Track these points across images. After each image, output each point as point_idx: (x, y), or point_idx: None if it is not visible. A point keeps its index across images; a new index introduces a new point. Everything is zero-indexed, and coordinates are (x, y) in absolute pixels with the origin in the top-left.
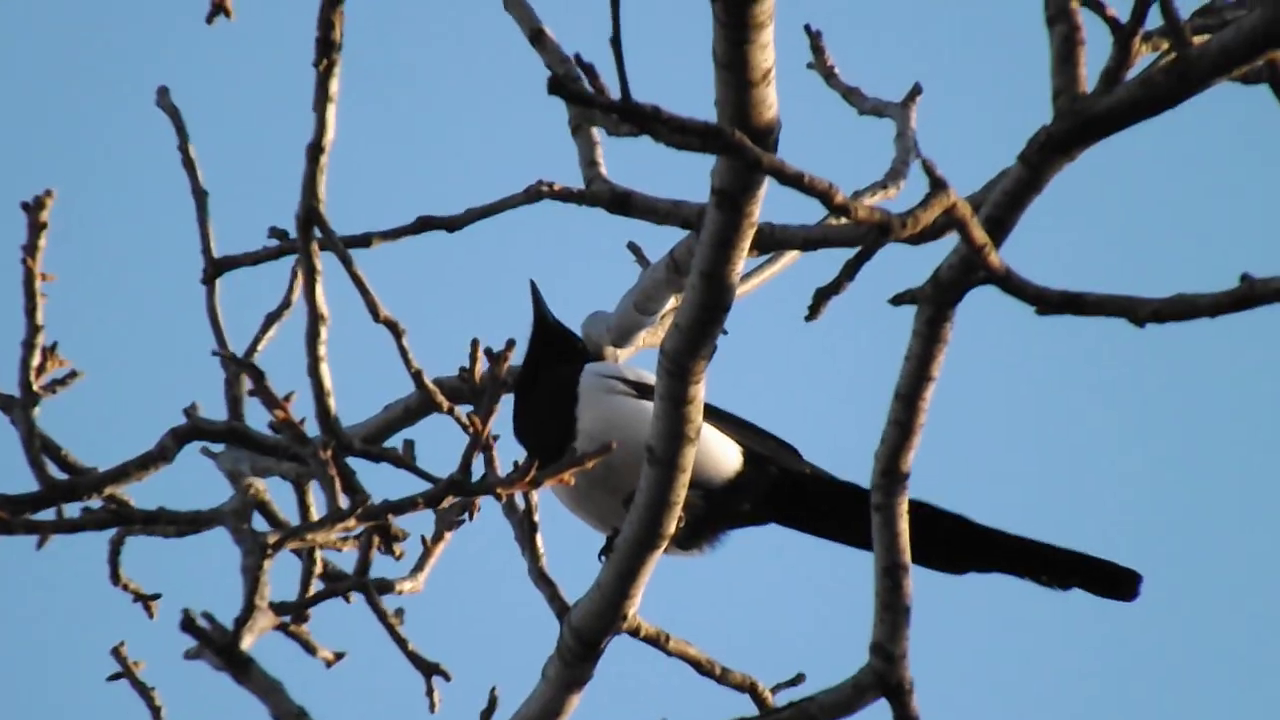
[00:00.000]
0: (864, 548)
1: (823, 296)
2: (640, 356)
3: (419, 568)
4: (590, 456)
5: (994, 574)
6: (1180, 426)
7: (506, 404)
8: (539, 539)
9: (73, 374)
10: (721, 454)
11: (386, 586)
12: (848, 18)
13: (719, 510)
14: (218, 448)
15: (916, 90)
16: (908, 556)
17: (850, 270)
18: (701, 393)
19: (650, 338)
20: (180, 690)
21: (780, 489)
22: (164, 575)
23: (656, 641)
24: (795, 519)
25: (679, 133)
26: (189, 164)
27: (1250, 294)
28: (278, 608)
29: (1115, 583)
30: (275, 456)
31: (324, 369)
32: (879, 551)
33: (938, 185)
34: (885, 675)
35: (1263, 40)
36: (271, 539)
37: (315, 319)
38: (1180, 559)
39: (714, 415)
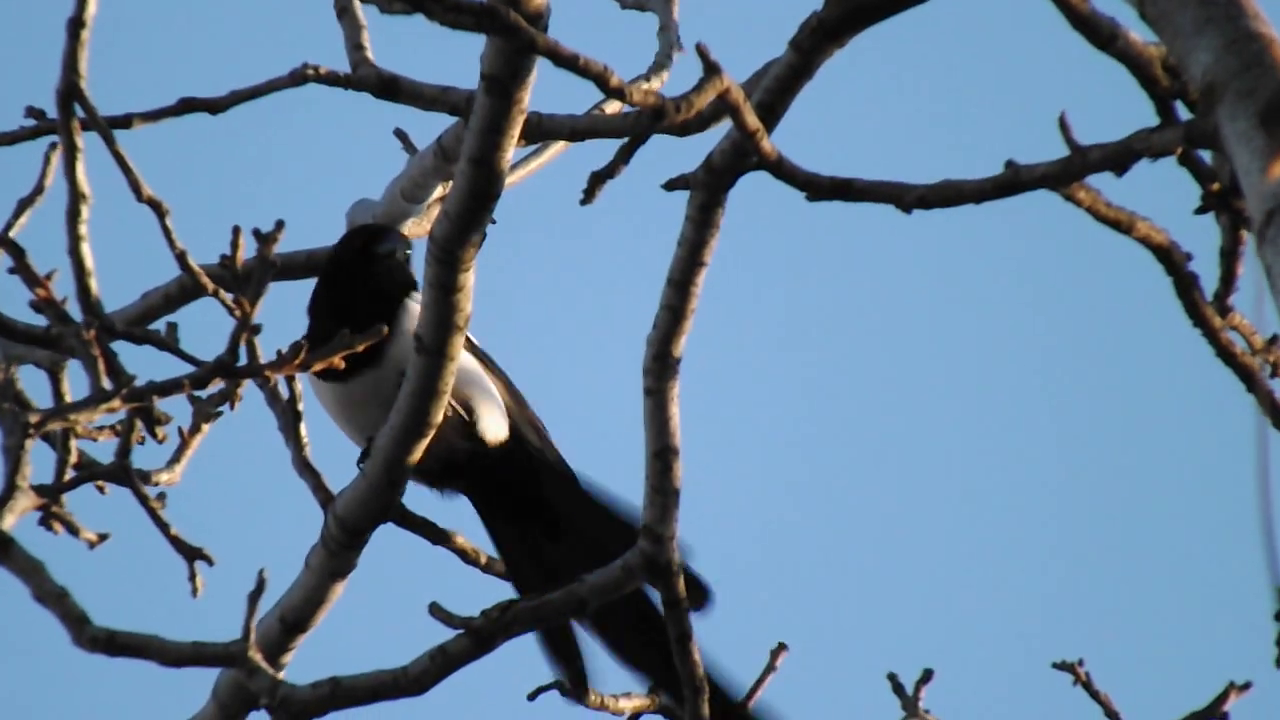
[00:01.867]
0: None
1: (598, 180)
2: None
3: (176, 459)
4: (361, 339)
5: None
6: (945, 311)
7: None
8: (303, 428)
9: None
10: (497, 420)
11: (144, 477)
12: None
13: (474, 456)
14: None
15: None
16: (678, 440)
17: (625, 154)
18: (471, 281)
19: (418, 227)
20: None
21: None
22: None
23: (423, 529)
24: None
25: (454, 12)
26: None
27: (1015, 180)
28: (37, 490)
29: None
30: (32, 343)
31: (85, 249)
32: (650, 436)
33: (711, 69)
34: (654, 557)
35: None
36: (34, 418)
37: (76, 198)
38: (928, 438)
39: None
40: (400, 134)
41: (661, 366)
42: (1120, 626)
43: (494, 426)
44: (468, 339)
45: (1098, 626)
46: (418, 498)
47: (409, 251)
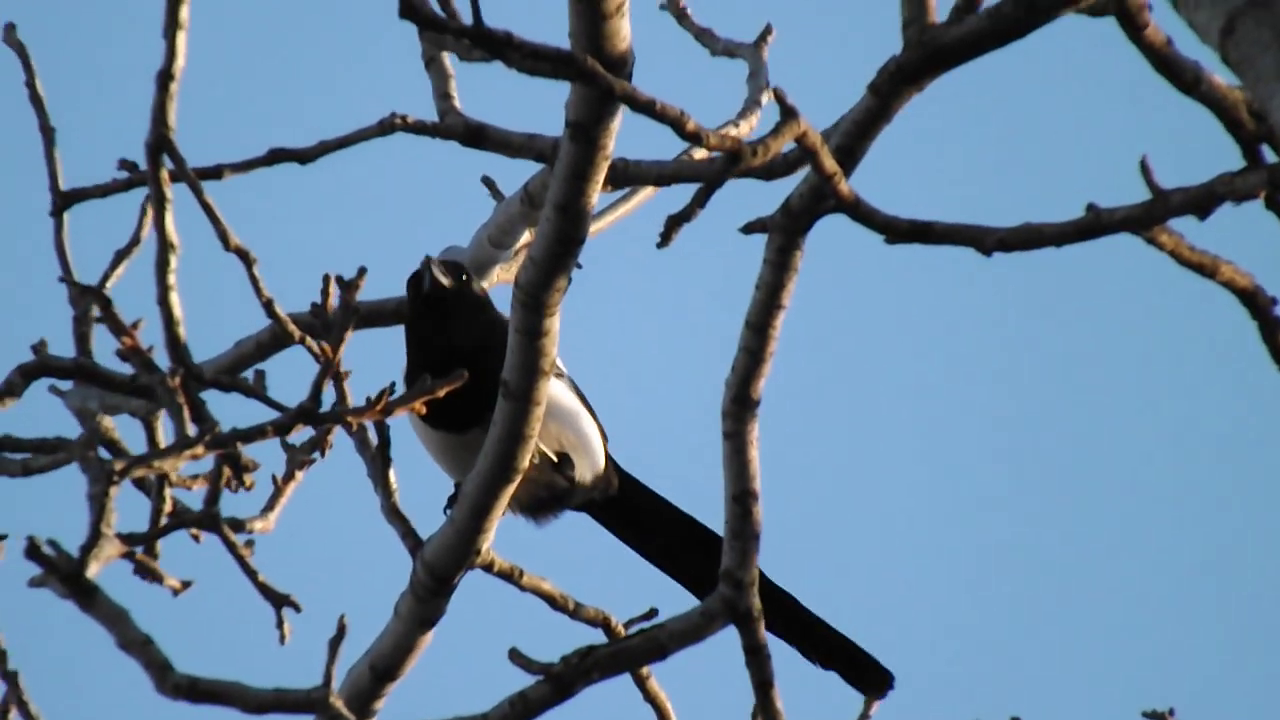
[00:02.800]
0: (681, 580)
1: (674, 223)
2: (494, 292)
3: (270, 507)
4: (441, 385)
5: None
6: (1027, 354)
7: (356, 338)
8: (392, 474)
9: None
10: (595, 452)
11: (237, 525)
12: None
13: (573, 493)
14: (66, 386)
15: (768, 31)
16: (757, 484)
17: (701, 197)
18: (556, 326)
19: (504, 273)
20: (27, 631)
21: (621, 502)
22: (12, 519)
23: (510, 577)
24: (621, 529)
25: (531, 59)
26: (36, 100)
27: (1096, 223)
28: (126, 539)
29: (870, 678)
30: (124, 392)
31: (174, 298)
32: (729, 479)
33: (788, 114)
34: (734, 602)
35: None
36: (118, 465)
37: (165, 247)
38: (1031, 488)
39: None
40: (487, 181)
41: (740, 409)
42: (1217, 677)
43: (588, 465)
44: (566, 376)
45: (1191, 673)
46: (507, 542)
47: (463, 276)
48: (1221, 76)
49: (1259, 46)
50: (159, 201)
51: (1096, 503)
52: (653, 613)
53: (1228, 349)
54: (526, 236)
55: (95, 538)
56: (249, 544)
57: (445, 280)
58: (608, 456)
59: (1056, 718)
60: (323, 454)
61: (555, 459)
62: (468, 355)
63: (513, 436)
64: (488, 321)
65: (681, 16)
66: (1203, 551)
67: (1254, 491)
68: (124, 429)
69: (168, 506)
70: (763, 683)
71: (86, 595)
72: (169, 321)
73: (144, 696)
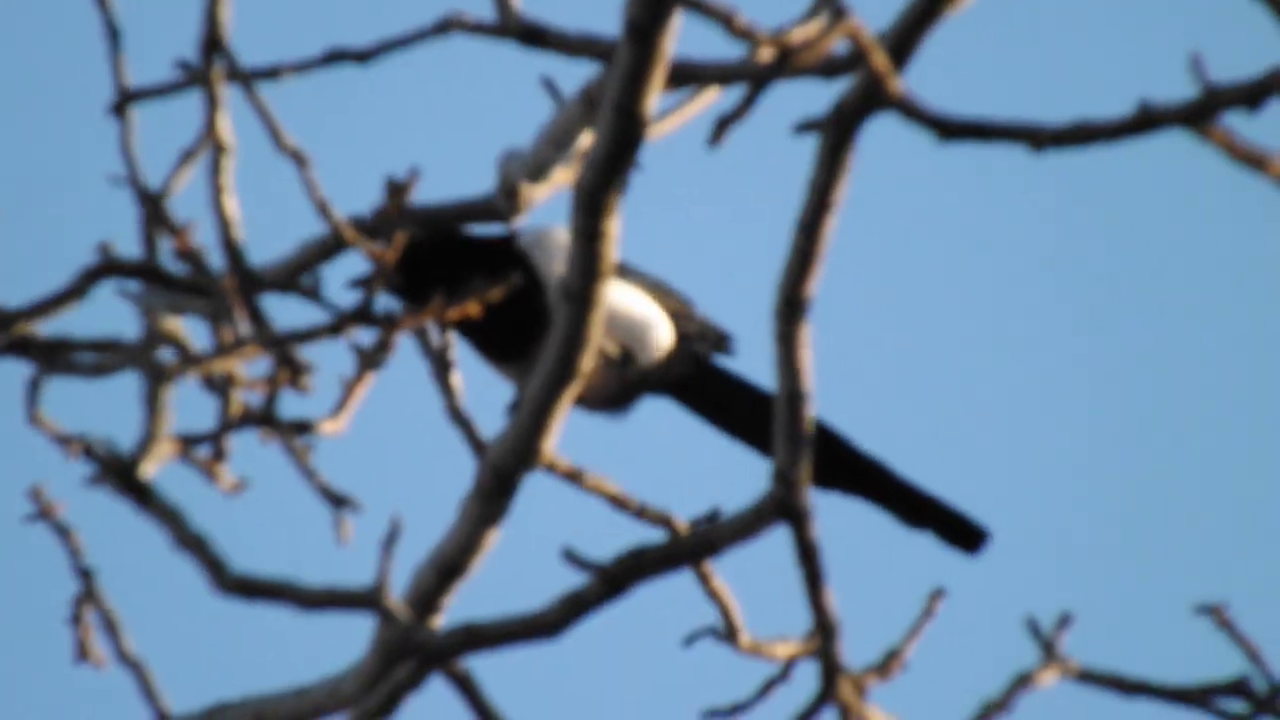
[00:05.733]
0: (760, 449)
1: (724, 123)
2: (555, 196)
3: (340, 408)
4: (494, 289)
5: (855, 497)
6: (1078, 256)
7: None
8: (455, 377)
9: None
10: (659, 332)
11: (307, 427)
12: None
13: (642, 383)
14: (133, 287)
15: None
16: (808, 384)
17: (751, 97)
18: (615, 228)
19: (565, 174)
20: (102, 532)
21: (695, 379)
22: (87, 423)
23: (573, 477)
24: (697, 405)
25: None
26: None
27: (1147, 119)
28: (188, 440)
29: (965, 536)
30: (188, 293)
31: (227, 199)
32: (781, 380)
33: (838, 12)
34: (785, 501)
35: None
36: (171, 366)
37: (218, 149)
38: (1073, 390)
39: (649, 287)
40: (547, 83)
41: (791, 310)
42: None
43: (650, 350)
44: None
45: (1245, 565)
46: (575, 440)
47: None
48: None
49: None
50: (211, 102)
51: (1155, 401)
52: (715, 515)
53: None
54: (586, 139)
55: (149, 437)
56: (307, 446)
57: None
58: (683, 332)
59: (1109, 611)
60: (388, 355)
61: (616, 357)
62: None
63: (574, 340)
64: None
65: None
66: (1252, 446)
67: None
68: (190, 329)
69: (235, 409)
70: (814, 581)
71: (140, 494)
72: (223, 223)
73: (200, 595)
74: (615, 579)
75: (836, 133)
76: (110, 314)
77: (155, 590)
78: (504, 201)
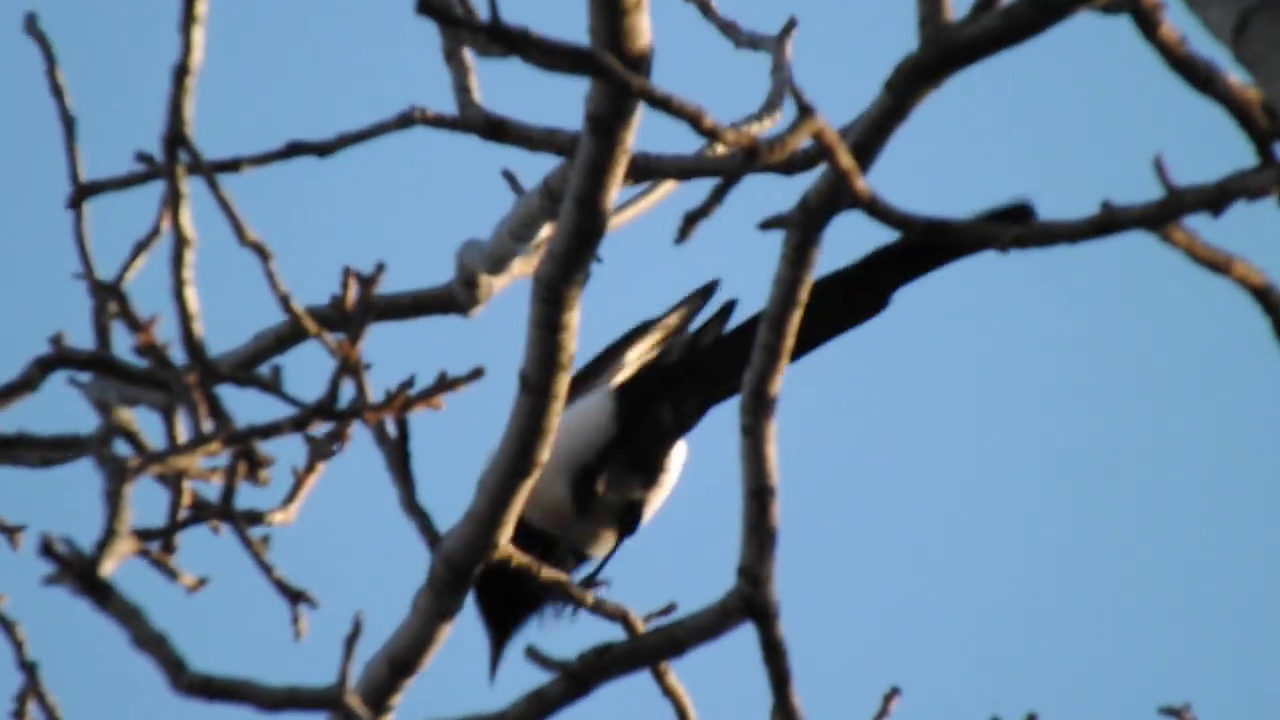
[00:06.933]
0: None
1: (692, 219)
2: (514, 287)
3: (291, 498)
4: (461, 381)
5: (918, 278)
6: (1044, 351)
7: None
8: (411, 468)
9: None
10: (585, 435)
11: (257, 517)
12: None
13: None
14: (86, 379)
15: (792, 24)
16: (775, 479)
17: (718, 194)
18: (575, 320)
19: (524, 266)
20: (45, 625)
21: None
22: (30, 510)
23: (528, 571)
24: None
25: (549, 55)
26: (57, 90)
27: (1110, 221)
28: (142, 534)
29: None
30: (142, 385)
31: (189, 292)
32: (747, 474)
33: (805, 111)
34: (751, 599)
35: None
36: (133, 462)
37: (180, 241)
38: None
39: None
40: (508, 175)
41: (758, 405)
42: (1233, 674)
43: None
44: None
45: (1208, 668)
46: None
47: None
48: (1235, 75)
49: (1271, 45)
50: (174, 196)
51: (1106, 499)
52: (672, 607)
53: (1242, 347)
54: (546, 230)
55: (110, 535)
56: (265, 539)
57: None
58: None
59: (1073, 715)
60: (342, 445)
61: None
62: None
63: (531, 430)
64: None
65: (706, 9)
66: (1211, 550)
67: (1265, 490)
68: (144, 421)
69: (186, 500)
70: (780, 680)
71: (101, 593)
72: (184, 316)
73: (158, 694)
74: (580, 678)
75: (802, 231)
76: (59, 406)
77: (100, 686)
78: (463, 292)
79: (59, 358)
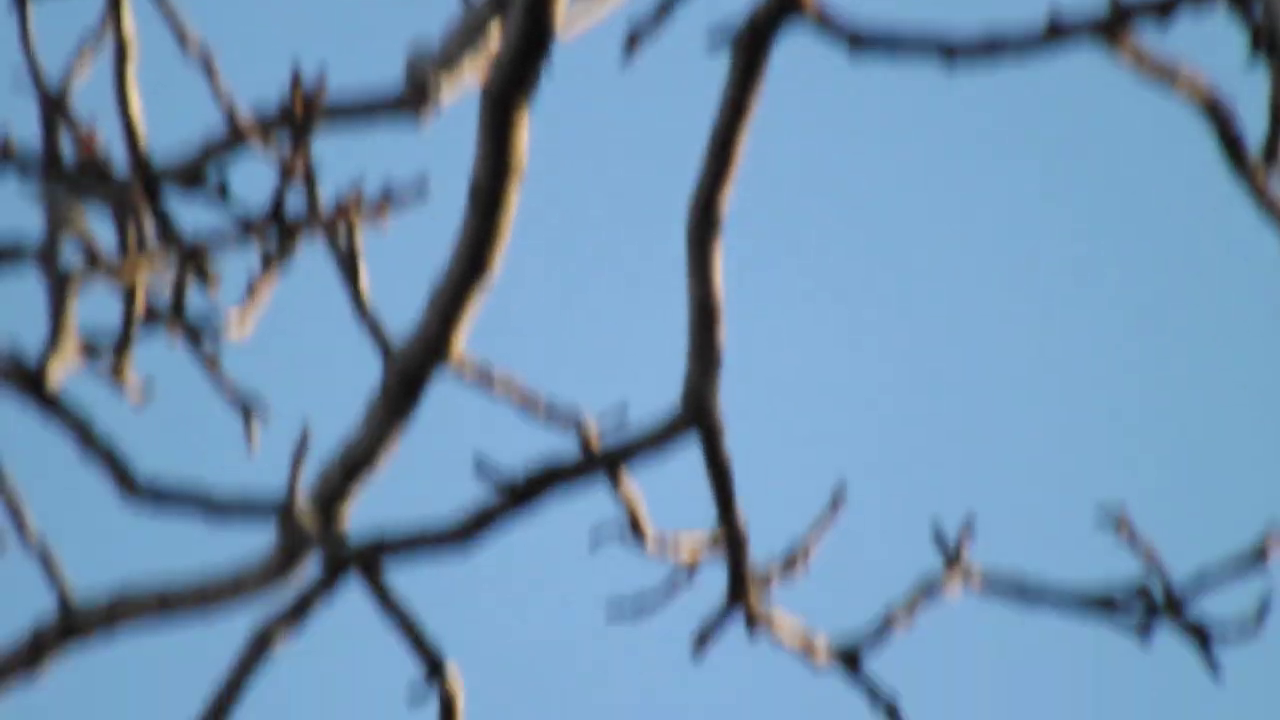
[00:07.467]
0: None
1: (636, 38)
2: (465, 105)
3: (245, 310)
4: (410, 194)
5: None
6: (980, 177)
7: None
8: (362, 276)
9: None
10: None
11: (211, 330)
12: None
13: None
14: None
15: None
16: (721, 297)
17: (664, 9)
18: (525, 131)
19: (475, 68)
20: None
21: None
22: None
23: (482, 378)
24: None
25: None
26: None
27: (1057, 29)
28: (86, 345)
29: None
30: (87, 193)
31: (132, 96)
32: (693, 291)
33: None
34: (698, 413)
35: None
36: (79, 272)
37: (122, 47)
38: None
39: None
40: None
41: (706, 220)
42: (1164, 469)
43: None
44: None
45: (1143, 467)
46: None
47: None
48: None
49: None
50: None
51: (1045, 319)
52: (623, 409)
53: (1186, 169)
54: (496, 35)
55: (55, 341)
56: (215, 354)
57: None
58: None
59: (1012, 514)
60: (292, 255)
61: None
62: None
63: (481, 236)
64: None
65: None
66: (1143, 349)
67: (1206, 316)
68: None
69: (140, 310)
70: (725, 496)
71: (48, 403)
72: (127, 122)
73: (106, 505)
74: (524, 494)
75: (748, 49)
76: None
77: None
78: (412, 96)
79: (2, 152)
